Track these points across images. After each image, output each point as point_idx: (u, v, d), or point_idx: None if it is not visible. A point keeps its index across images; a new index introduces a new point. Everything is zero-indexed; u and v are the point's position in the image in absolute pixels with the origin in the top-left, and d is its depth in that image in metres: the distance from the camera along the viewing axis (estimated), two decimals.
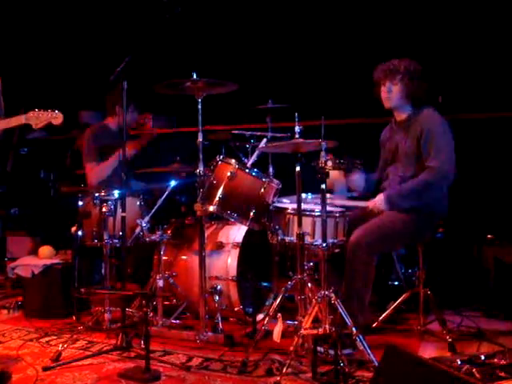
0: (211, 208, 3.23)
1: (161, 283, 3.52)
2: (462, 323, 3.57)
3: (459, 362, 2.63)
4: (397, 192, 3.27)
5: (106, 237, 3.51)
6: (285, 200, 3.44)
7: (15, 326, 3.76)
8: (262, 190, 3.23)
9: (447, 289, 3.91)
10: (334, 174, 3.34)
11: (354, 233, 3.16)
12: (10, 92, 5.61)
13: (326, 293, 2.82)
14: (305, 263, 3.03)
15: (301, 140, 2.94)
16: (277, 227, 3.18)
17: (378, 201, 3.25)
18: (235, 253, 3.62)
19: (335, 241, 3.12)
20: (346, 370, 2.66)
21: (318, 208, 3.07)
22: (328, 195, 3.12)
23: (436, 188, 3.23)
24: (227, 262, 3.61)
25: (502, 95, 4.38)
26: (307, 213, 3.09)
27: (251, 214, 3.21)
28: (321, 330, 2.75)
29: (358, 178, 3.52)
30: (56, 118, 2.99)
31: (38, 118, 2.99)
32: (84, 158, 4.30)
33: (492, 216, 4.30)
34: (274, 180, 3.32)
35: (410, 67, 3.33)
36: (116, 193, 3.49)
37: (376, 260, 3.17)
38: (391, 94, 3.35)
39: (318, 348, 2.81)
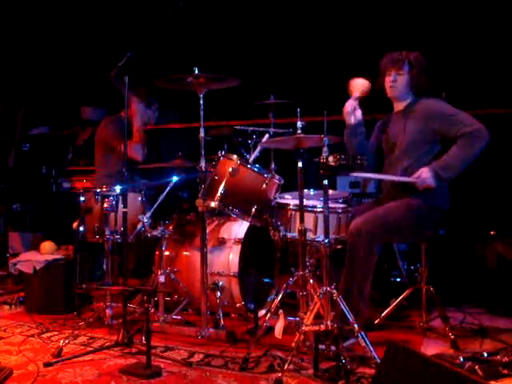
0: (213, 204, 3.22)
1: (162, 279, 3.52)
2: (464, 320, 3.56)
3: (462, 359, 2.62)
4: (442, 165, 3.17)
5: (107, 232, 3.51)
6: (287, 196, 3.43)
7: (17, 321, 3.76)
8: (264, 185, 3.22)
9: (450, 285, 3.90)
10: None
11: (355, 221, 3.13)
12: (12, 87, 5.62)
13: (328, 289, 2.80)
14: (307, 259, 3.01)
15: (303, 135, 2.93)
16: (279, 223, 3.17)
17: (425, 177, 3.15)
18: (237, 249, 3.61)
19: (337, 237, 3.10)
20: (348, 366, 2.65)
21: (320, 204, 3.06)
22: (331, 191, 3.10)
23: (479, 149, 3.15)
24: (229, 258, 3.61)
25: (505, 91, 4.36)
26: (309, 209, 3.08)
27: (253, 209, 3.20)
28: (322, 327, 2.73)
29: None
30: None
31: None
32: (118, 143, 4.28)
33: (495, 213, 4.28)
34: (276, 176, 3.30)
35: (418, 59, 3.34)
36: (118, 188, 3.49)
37: (378, 251, 3.14)
38: (396, 83, 3.35)
39: (320, 344, 2.80)
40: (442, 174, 3.16)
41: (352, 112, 3.39)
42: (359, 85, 3.38)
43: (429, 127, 3.26)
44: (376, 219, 3.14)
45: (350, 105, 3.38)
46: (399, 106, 3.45)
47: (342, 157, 2.71)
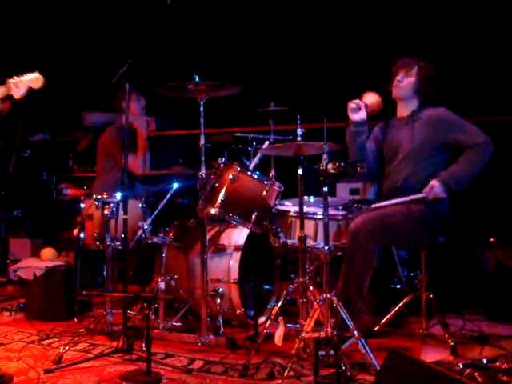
0: (213, 211, 3.23)
1: (162, 286, 3.52)
2: (464, 327, 3.56)
3: (461, 366, 2.61)
4: (455, 177, 3.21)
5: (108, 239, 3.51)
6: (287, 203, 3.44)
7: (17, 328, 3.76)
8: (264, 192, 3.22)
9: (449, 292, 3.90)
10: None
11: (355, 220, 3.14)
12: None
13: (328, 296, 2.81)
14: (307, 266, 3.02)
15: (303, 142, 2.94)
16: (279, 230, 3.18)
17: (437, 191, 3.18)
18: (237, 255, 3.62)
19: (337, 244, 3.11)
20: (348, 373, 2.66)
21: (320, 211, 3.06)
22: (331, 198, 3.11)
23: (486, 161, 3.23)
24: (229, 265, 3.61)
25: (504, 99, 4.37)
26: (309, 216, 3.09)
27: (253, 216, 3.21)
28: (322, 334, 2.74)
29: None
30: (35, 81, 2.80)
31: (18, 86, 2.80)
32: (118, 153, 4.26)
33: (494, 219, 4.29)
34: (276, 183, 3.31)
35: (428, 67, 3.38)
36: (118, 195, 3.50)
37: (377, 252, 3.14)
38: (401, 83, 3.37)
39: (320, 351, 2.80)
40: (454, 185, 3.19)
41: (356, 110, 3.36)
42: (371, 96, 3.38)
43: (439, 135, 3.27)
44: (375, 219, 3.16)
45: (354, 102, 3.36)
46: (403, 112, 3.44)
47: (342, 164, 2.72)
